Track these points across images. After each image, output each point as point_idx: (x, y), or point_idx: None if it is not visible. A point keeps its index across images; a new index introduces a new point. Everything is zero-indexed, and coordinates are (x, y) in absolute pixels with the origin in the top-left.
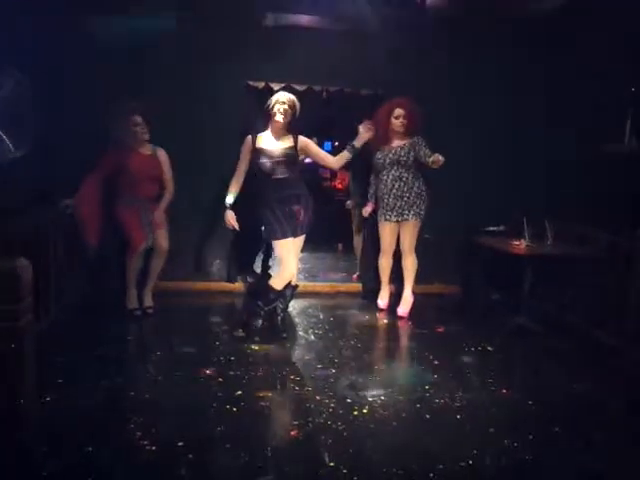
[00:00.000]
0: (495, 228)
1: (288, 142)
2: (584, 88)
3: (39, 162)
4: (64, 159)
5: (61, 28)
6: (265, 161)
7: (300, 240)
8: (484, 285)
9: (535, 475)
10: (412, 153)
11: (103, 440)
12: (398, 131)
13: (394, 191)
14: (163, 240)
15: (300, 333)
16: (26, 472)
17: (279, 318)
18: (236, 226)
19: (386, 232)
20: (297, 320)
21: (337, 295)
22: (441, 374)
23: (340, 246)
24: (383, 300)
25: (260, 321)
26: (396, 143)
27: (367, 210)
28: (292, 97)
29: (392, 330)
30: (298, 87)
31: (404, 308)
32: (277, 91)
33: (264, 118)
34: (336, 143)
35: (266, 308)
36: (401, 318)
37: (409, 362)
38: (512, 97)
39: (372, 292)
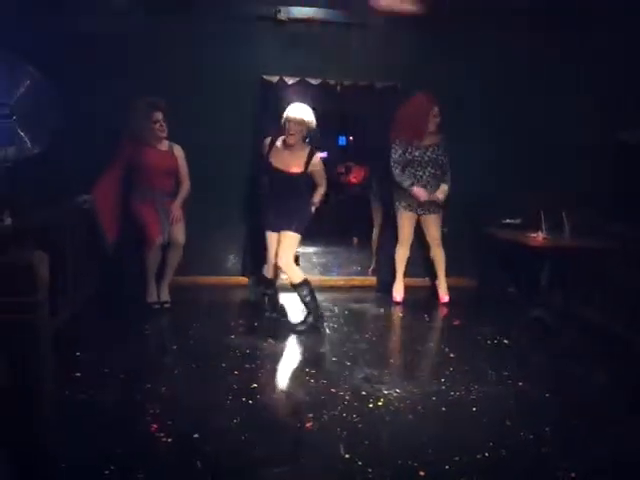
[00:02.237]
0: (512, 221)
1: (300, 160)
2: (604, 77)
3: (56, 158)
4: (81, 155)
5: (77, 26)
6: (272, 175)
7: (283, 237)
8: (501, 278)
9: (552, 468)
10: (445, 152)
11: (120, 433)
12: (432, 129)
13: (428, 187)
14: (180, 235)
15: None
16: (44, 465)
17: (307, 312)
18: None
19: (407, 222)
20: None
21: (352, 289)
22: (457, 367)
23: (355, 240)
24: (399, 293)
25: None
26: (430, 141)
27: (423, 194)
28: (303, 115)
29: (407, 323)
30: (313, 81)
31: (446, 294)
32: (293, 84)
33: (280, 127)
34: (350, 137)
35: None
36: (445, 304)
37: (424, 355)
38: (526, 86)
39: (387, 285)
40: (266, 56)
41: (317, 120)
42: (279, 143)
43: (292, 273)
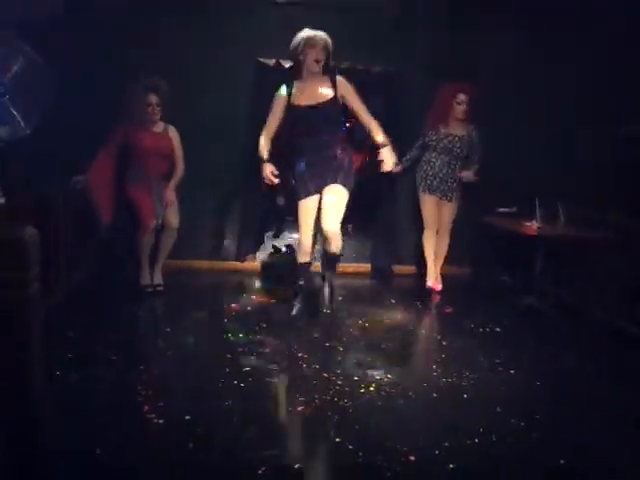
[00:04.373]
0: (507, 209)
1: (326, 89)
2: (605, 68)
3: (49, 138)
4: (75, 135)
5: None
6: (301, 121)
7: (329, 192)
8: (494, 267)
9: (541, 454)
10: (467, 147)
11: (111, 414)
12: (458, 117)
13: (440, 175)
14: (173, 218)
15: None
16: (33, 445)
17: (325, 291)
18: (275, 180)
19: (429, 206)
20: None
21: (346, 275)
22: (449, 354)
23: (350, 227)
24: (437, 283)
25: (296, 304)
26: (454, 129)
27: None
28: (324, 36)
29: (400, 310)
30: None
31: (439, 282)
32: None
33: (292, 64)
34: (347, 124)
35: (294, 286)
36: (439, 292)
37: (416, 341)
38: (527, 74)
39: (381, 272)
40: (262, 39)
41: None
42: (296, 85)
43: (340, 241)
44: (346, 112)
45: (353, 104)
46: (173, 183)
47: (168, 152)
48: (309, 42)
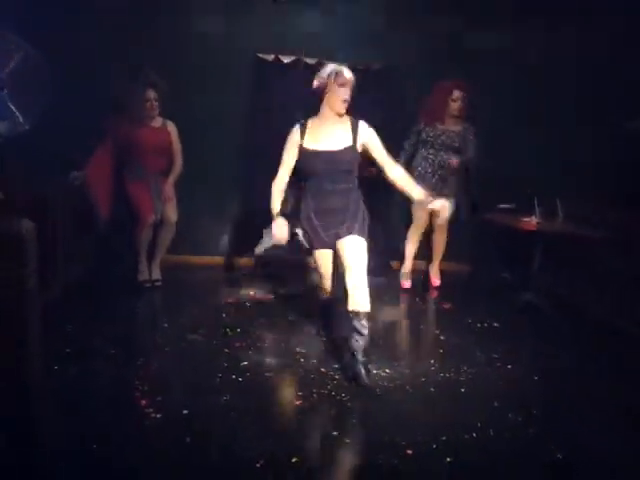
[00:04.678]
0: (506, 206)
1: (345, 133)
2: (605, 63)
3: (48, 133)
4: (73, 130)
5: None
6: (314, 167)
7: (348, 245)
8: (494, 263)
9: (539, 449)
10: (463, 142)
11: (109, 408)
12: (454, 114)
13: (440, 172)
14: (172, 213)
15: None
16: (32, 439)
17: (357, 368)
18: (285, 240)
19: (419, 205)
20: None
21: None
22: (447, 349)
23: None
24: (408, 280)
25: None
26: (450, 126)
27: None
28: (351, 73)
29: (398, 305)
30: (309, 60)
31: (438, 278)
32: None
33: (316, 97)
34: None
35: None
36: (437, 288)
37: (415, 336)
38: (526, 71)
39: (375, 268)
40: (261, 34)
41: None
42: (312, 123)
43: (368, 296)
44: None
45: (375, 154)
46: (171, 178)
47: (166, 147)
48: (339, 79)
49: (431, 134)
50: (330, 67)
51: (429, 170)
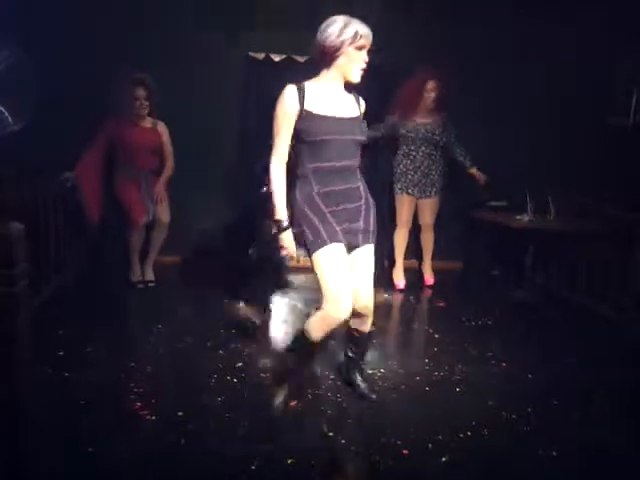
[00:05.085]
0: (497, 203)
1: (352, 104)
2: (590, 59)
3: (38, 134)
4: (63, 131)
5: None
6: (324, 133)
7: (365, 255)
8: (486, 260)
9: (533, 447)
10: (444, 132)
11: (103, 411)
12: (429, 106)
13: (422, 168)
14: (164, 214)
15: (301, 307)
16: (26, 443)
17: (355, 377)
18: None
19: (405, 206)
20: (298, 295)
21: None
22: (441, 347)
23: None
24: (401, 280)
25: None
26: (425, 118)
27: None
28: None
29: (392, 304)
30: (299, 58)
31: (431, 277)
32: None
33: (320, 58)
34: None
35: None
36: (430, 287)
37: (409, 335)
38: (515, 67)
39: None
40: (252, 32)
41: None
42: (311, 86)
43: (372, 317)
44: None
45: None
46: (163, 178)
47: (157, 147)
48: (359, 40)
49: (410, 130)
50: (341, 21)
51: (411, 167)
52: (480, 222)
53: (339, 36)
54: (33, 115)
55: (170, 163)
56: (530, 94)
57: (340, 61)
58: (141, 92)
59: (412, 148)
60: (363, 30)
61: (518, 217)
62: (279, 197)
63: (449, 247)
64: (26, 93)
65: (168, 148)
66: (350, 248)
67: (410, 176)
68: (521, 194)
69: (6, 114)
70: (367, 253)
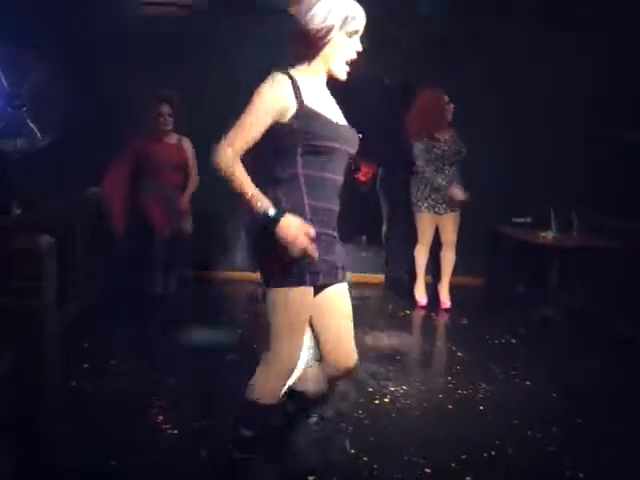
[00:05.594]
0: (521, 219)
1: (337, 108)
2: (609, 76)
3: (66, 150)
4: (91, 146)
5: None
6: (331, 139)
7: (345, 297)
8: (510, 277)
9: (558, 467)
10: (462, 146)
11: (125, 424)
12: (447, 120)
13: (444, 184)
14: (187, 227)
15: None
16: (48, 455)
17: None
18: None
19: (427, 223)
20: None
21: (360, 286)
22: (464, 365)
23: (364, 238)
24: (423, 297)
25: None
26: (443, 134)
27: (460, 193)
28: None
29: (415, 321)
30: None
31: (448, 299)
32: None
33: (301, 47)
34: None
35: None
36: (447, 310)
37: (431, 353)
38: (533, 86)
39: (395, 282)
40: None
41: None
42: (301, 81)
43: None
44: None
45: None
46: (187, 194)
47: (181, 164)
48: (351, 24)
49: (444, 148)
50: (329, 1)
51: (431, 184)
52: (504, 238)
53: (325, 20)
54: (61, 131)
55: (194, 178)
56: (555, 111)
57: (326, 51)
58: (165, 109)
59: (446, 165)
60: (355, 11)
61: (542, 234)
62: (249, 186)
63: (471, 262)
64: (55, 110)
65: (192, 164)
66: (323, 286)
67: (432, 195)
68: (545, 211)
69: (35, 130)
70: (346, 295)
